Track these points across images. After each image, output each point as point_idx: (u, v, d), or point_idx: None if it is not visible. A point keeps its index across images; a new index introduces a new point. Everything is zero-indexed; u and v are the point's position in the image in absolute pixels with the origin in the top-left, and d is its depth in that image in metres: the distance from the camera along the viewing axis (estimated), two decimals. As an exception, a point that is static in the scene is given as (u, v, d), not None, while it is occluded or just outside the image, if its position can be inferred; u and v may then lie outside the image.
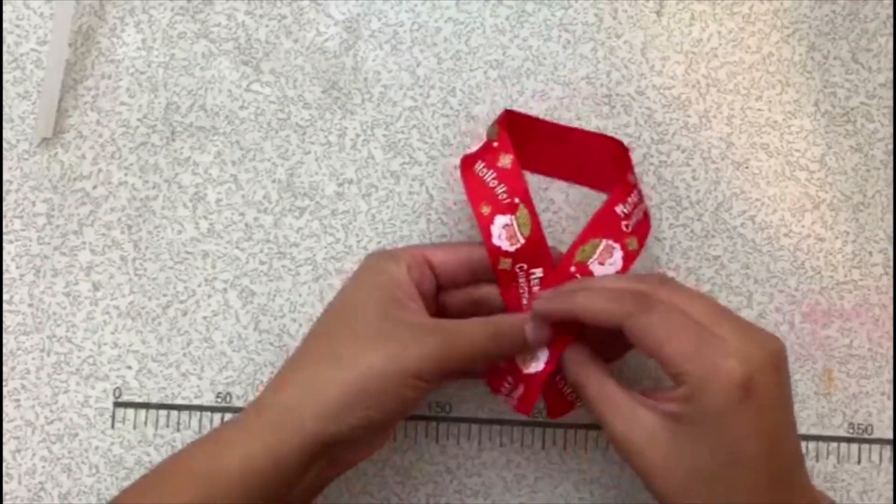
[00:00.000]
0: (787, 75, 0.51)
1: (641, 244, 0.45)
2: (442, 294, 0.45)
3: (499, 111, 0.50)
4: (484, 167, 0.45)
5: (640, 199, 0.45)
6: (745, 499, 0.37)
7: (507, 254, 0.44)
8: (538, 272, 0.44)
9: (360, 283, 0.43)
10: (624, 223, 0.44)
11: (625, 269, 0.44)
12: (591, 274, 0.44)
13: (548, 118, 0.49)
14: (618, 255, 0.44)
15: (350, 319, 0.41)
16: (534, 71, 0.50)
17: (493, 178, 0.44)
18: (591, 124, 0.50)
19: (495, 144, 0.45)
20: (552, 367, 0.44)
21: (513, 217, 0.44)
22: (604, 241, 0.44)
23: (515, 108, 0.50)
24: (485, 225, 0.44)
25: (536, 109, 0.50)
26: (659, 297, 0.39)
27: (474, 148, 0.46)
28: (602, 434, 0.50)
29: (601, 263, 0.44)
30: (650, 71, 0.50)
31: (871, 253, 0.50)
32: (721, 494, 0.37)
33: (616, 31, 0.51)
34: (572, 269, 0.44)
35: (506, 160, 0.45)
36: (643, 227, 0.45)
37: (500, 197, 0.44)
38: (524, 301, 0.45)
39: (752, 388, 0.37)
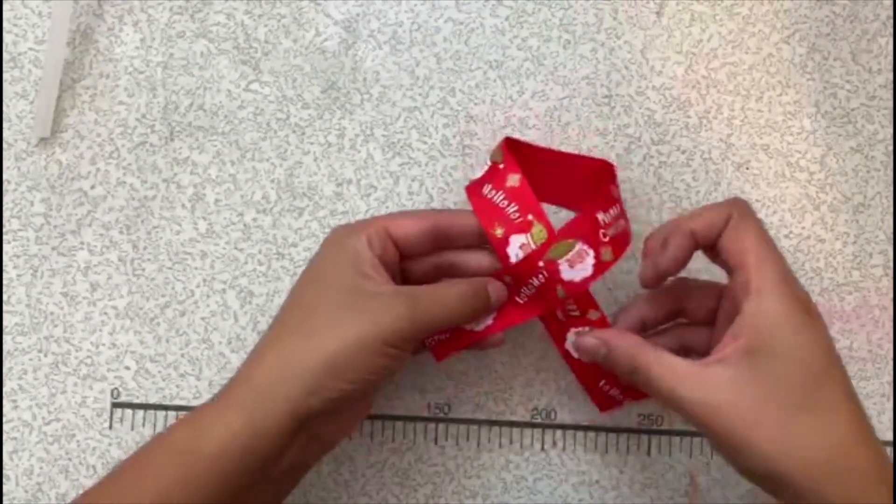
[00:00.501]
0: (787, 76, 0.51)
1: (616, 257, 0.44)
2: (405, 262, 0.45)
3: (498, 111, 0.50)
4: (492, 189, 0.44)
5: (622, 215, 0.45)
6: (834, 416, 0.38)
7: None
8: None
9: (325, 257, 0.43)
10: (602, 231, 0.44)
11: (594, 277, 0.43)
12: (558, 272, 0.43)
13: (547, 118, 0.49)
14: (589, 261, 0.43)
15: (320, 292, 0.42)
16: (533, 71, 0.50)
17: (503, 199, 0.44)
18: (591, 125, 0.50)
19: (501, 167, 0.45)
20: (486, 335, 0.45)
21: (528, 235, 0.44)
22: (578, 244, 0.43)
23: (515, 107, 0.50)
24: (500, 246, 0.44)
25: (536, 110, 0.50)
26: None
27: (479, 174, 0.46)
28: (600, 436, 0.50)
29: (571, 266, 0.43)
30: (650, 72, 0.50)
31: (871, 254, 0.50)
32: (810, 418, 0.38)
33: (616, 32, 0.50)
34: (540, 263, 0.43)
35: (514, 179, 0.44)
36: (621, 241, 0.44)
37: (512, 216, 0.44)
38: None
39: (811, 309, 0.40)
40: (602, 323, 0.46)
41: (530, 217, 0.44)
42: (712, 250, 0.43)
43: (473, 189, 0.45)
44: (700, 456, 0.50)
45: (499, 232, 0.44)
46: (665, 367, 0.40)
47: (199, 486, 0.38)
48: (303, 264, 0.50)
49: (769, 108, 0.51)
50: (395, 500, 0.49)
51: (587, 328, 0.46)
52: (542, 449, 0.50)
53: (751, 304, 0.40)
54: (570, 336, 0.46)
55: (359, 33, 0.50)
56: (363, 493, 0.49)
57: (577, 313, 0.46)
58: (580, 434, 0.50)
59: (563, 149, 0.48)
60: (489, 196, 0.44)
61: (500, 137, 0.50)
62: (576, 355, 0.46)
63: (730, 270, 0.42)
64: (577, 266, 0.43)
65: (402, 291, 0.42)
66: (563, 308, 0.46)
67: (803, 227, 0.50)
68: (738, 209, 0.42)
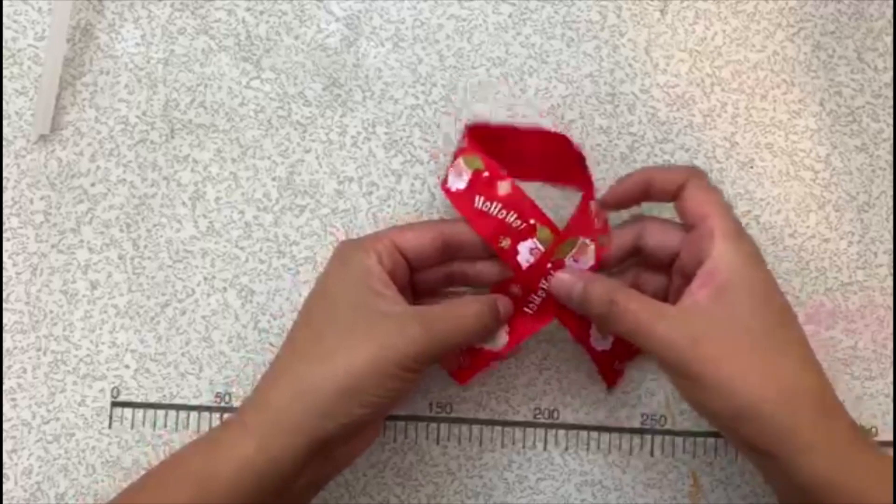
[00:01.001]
0: (791, 74, 0.50)
1: (611, 240, 0.45)
2: (414, 274, 0.45)
3: (501, 109, 0.50)
4: (485, 200, 0.44)
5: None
6: (796, 350, 0.41)
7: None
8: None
9: (334, 276, 0.43)
10: (595, 220, 0.45)
11: (597, 264, 0.45)
12: (566, 269, 0.45)
13: (550, 116, 0.49)
14: (591, 251, 0.45)
15: (331, 313, 0.42)
16: (536, 69, 0.50)
17: (500, 209, 0.44)
18: (595, 123, 0.50)
19: (485, 175, 0.44)
20: (507, 352, 0.45)
21: (535, 240, 0.44)
22: (580, 239, 0.44)
23: (518, 105, 0.50)
24: (509, 257, 0.44)
25: (539, 107, 0.50)
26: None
27: (455, 181, 0.45)
28: (603, 436, 0.49)
29: (576, 260, 0.44)
30: (654, 69, 0.50)
31: (875, 254, 0.50)
32: (777, 352, 0.40)
33: (620, 29, 0.50)
34: (549, 265, 0.44)
35: (504, 187, 0.44)
36: (607, 223, 0.46)
37: (513, 225, 0.44)
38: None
39: (762, 258, 0.42)
40: None
41: (532, 221, 0.44)
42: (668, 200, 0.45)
43: (463, 202, 0.44)
44: (703, 456, 0.49)
45: (505, 243, 0.44)
46: (643, 303, 0.41)
47: None
48: (304, 262, 0.49)
49: (774, 106, 0.50)
50: (396, 500, 0.49)
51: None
52: (545, 449, 0.49)
53: (720, 248, 0.41)
54: (593, 331, 0.47)
55: (361, 30, 0.50)
56: (364, 493, 0.49)
57: None
58: (583, 434, 0.49)
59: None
60: (484, 209, 0.44)
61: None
62: (599, 348, 0.47)
63: (692, 223, 0.43)
64: (580, 259, 0.44)
65: (414, 313, 0.41)
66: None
67: (808, 226, 0.50)
68: (698, 172, 0.44)
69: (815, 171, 0.50)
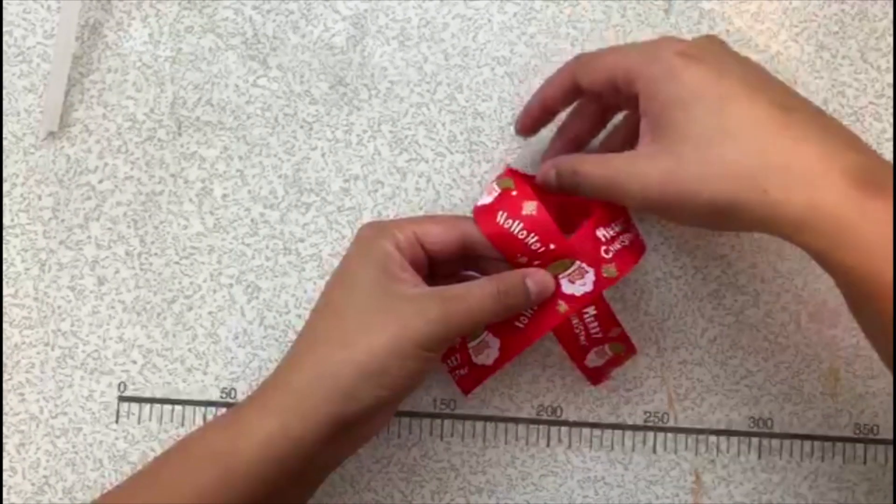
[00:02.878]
0: (795, 74, 0.50)
1: (621, 272, 0.43)
2: (432, 267, 0.45)
3: (506, 108, 0.50)
4: (508, 218, 0.43)
5: (629, 226, 0.44)
6: (755, 129, 0.38)
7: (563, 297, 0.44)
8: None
9: (356, 259, 0.43)
10: (604, 248, 0.43)
11: (595, 292, 0.43)
12: (559, 286, 0.43)
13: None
14: (590, 277, 0.43)
15: (351, 296, 0.42)
16: (541, 68, 0.50)
17: (521, 229, 0.43)
18: (599, 122, 0.50)
19: (514, 193, 0.43)
20: (499, 367, 0.45)
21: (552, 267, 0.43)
22: (577, 263, 0.43)
23: (523, 104, 0.50)
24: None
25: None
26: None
27: (485, 199, 0.44)
28: (606, 433, 0.50)
29: (571, 282, 0.43)
30: (658, 69, 0.50)
31: (878, 253, 0.50)
32: (731, 141, 0.38)
33: (624, 29, 0.50)
34: None
35: (530, 207, 0.43)
36: (627, 255, 0.44)
37: (533, 247, 0.43)
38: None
39: (689, 52, 0.40)
40: (623, 339, 0.46)
41: (552, 246, 0.43)
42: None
43: (486, 215, 0.43)
44: (705, 453, 0.50)
45: (522, 260, 0.44)
46: (598, 165, 0.41)
47: (237, 488, 0.39)
48: (310, 259, 0.50)
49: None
50: (400, 496, 0.50)
51: (606, 346, 0.46)
52: (548, 446, 0.50)
53: (642, 86, 0.41)
54: (591, 355, 0.46)
55: (367, 29, 0.50)
56: (369, 488, 0.49)
57: (599, 334, 0.45)
58: (586, 431, 0.50)
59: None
60: (506, 226, 0.43)
61: (507, 134, 0.50)
62: (591, 366, 0.46)
63: (616, 87, 0.42)
64: (577, 282, 0.43)
65: (433, 293, 0.41)
66: (587, 329, 0.45)
67: (810, 226, 0.50)
68: (580, 57, 0.44)
69: (818, 170, 0.50)
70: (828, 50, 0.51)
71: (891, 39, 0.51)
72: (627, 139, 0.46)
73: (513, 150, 0.50)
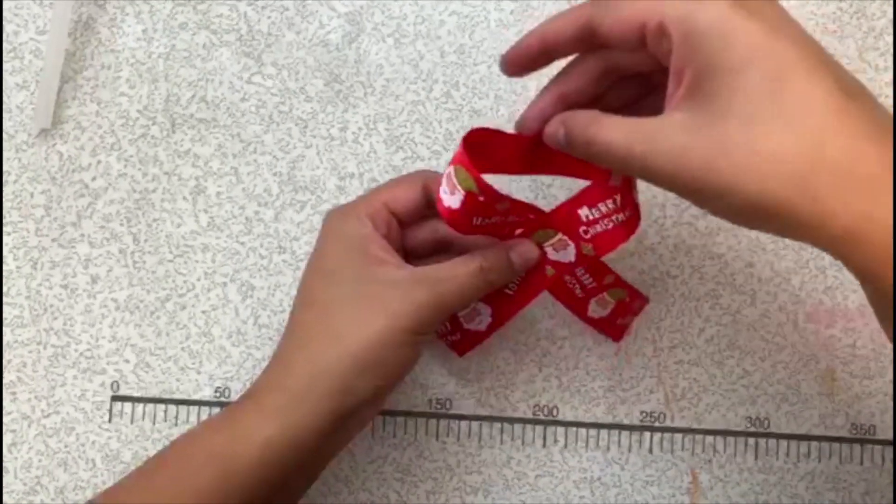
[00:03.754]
0: (793, 73, 0.50)
1: (600, 254, 0.43)
2: (404, 230, 0.44)
3: (502, 106, 0.50)
4: (483, 219, 0.41)
5: (624, 204, 0.42)
6: (807, 117, 0.33)
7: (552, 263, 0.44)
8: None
9: (330, 250, 0.42)
10: (582, 228, 0.43)
11: (576, 264, 0.44)
12: (545, 253, 0.43)
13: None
14: (571, 250, 0.43)
15: (333, 289, 0.41)
16: (538, 66, 0.50)
17: (498, 221, 0.42)
18: (596, 120, 0.50)
19: (481, 199, 0.40)
20: (493, 332, 0.45)
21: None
22: (559, 235, 0.43)
23: (519, 102, 0.50)
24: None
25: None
26: None
27: (448, 197, 0.40)
28: (602, 433, 0.49)
29: (556, 250, 0.44)
30: (655, 67, 0.50)
31: (875, 253, 0.50)
32: (779, 125, 0.33)
33: (621, 27, 0.50)
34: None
35: (503, 206, 0.41)
36: (611, 236, 0.42)
37: (512, 225, 0.43)
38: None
39: (745, 4, 0.34)
40: (621, 284, 0.46)
41: (532, 216, 0.43)
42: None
43: (461, 224, 0.41)
44: (702, 454, 0.49)
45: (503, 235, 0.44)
46: (624, 130, 0.35)
47: (236, 490, 0.39)
48: (304, 258, 0.49)
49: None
50: (395, 496, 0.49)
51: (605, 294, 0.46)
52: (544, 446, 0.49)
53: (681, 38, 0.34)
54: (592, 304, 0.46)
55: (362, 26, 0.50)
56: (364, 488, 0.49)
57: (594, 284, 0.46)
58: (582, 431, 0.50)
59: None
60: (484, 224, 0.41)
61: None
62: (597, 316, 0.47)
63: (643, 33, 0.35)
64: (560, 252, 0.44)
65: (419, 276, 0.41)
66: (580, 282, 0.45)
67: (808, 225, 0.50)
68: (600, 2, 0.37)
69: (816, 169, 0.50)
70: (826, 49, 0.50)
71: (889, 38, 0.50)
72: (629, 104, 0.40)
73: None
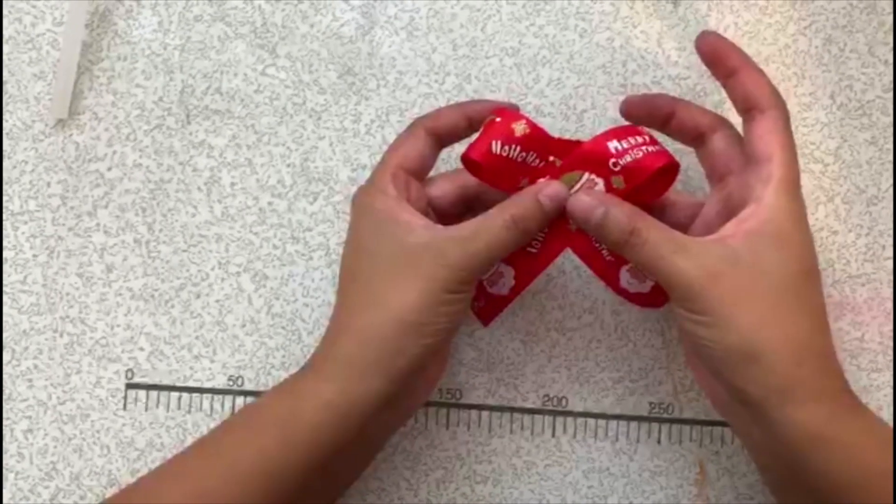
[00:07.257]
0: (803, 68, 0.51)
1: (630, 185, 0.42)
2: (428, 188, 0.45)
3: (514, 99, 0.50)
4: (503, 145, 0.41)
5: (648, 143, 0.42)
6: (813, 308, 0.41)
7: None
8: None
9: (362, 228, 0.44)
10: (612, 160, 0.42)
11: None
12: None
13: (562, 106, 0.49)
14: (601, 187, 0.42)
15: (371, 264, 0.43)
16: (549, 59, 0.50)
17: (519, 152, 0.42)
18: (607, 114, 0.50)
19: (498, 120, 0.41)
20: (516, 295, 0.45)
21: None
22: (585, 175, 0.42)
23: (531, 95, 0.50)
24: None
25: (551, 98, 0.50)
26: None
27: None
28: (611, 423, 0.50)
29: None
30: (666, 61, 0.50)
31: (884, 247, 0.50)
32: (796, 304, 0.40)
33: (633, 21, 0.50)
34: None
35: (520, 127, 0.42)
36: (635, 168, 0.42)
37: (533, 164, 0.42)
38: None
39: (806, 217, 0.42)
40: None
41: (552, 158, 0.42)
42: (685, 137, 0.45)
43: (479, 150, 0.42)
44: (710, 445, 0.50)
45: (524, 184, 0.43)
46: (665, 232, 0.41)
47: (298, 451, 0.41)
48: (317, 248, 0.50)
49: (785, 99, 0.50)
50: (405, 485, 0.50)
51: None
52: (553, 436, 0.50)
53: (770, 198, 0.41)
54: (623, 273, 0.45)
55: (376, 19, 0.51)
56: (374, 477, 0.50)
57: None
58: (591, 422, 0.50)
59: (579, 137, 0.48)
60: (503, 153, 0.41)
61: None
62: (633, 290, 0.45)
63: (754, 157, 0.42)
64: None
65: (448, 236, 0.42)
66: (609, 248, 0.44)
67: (816, 219, 0.50)
68: (728, 123, 0.44)
69: (825, 163, 0.50)
70: (836, 43, 0.51)
71: (899, 33, 0.51)
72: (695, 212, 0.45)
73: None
